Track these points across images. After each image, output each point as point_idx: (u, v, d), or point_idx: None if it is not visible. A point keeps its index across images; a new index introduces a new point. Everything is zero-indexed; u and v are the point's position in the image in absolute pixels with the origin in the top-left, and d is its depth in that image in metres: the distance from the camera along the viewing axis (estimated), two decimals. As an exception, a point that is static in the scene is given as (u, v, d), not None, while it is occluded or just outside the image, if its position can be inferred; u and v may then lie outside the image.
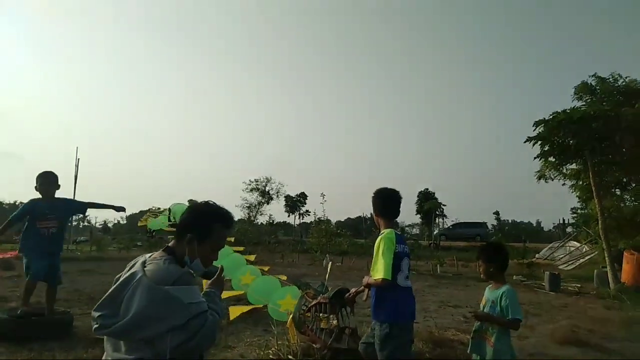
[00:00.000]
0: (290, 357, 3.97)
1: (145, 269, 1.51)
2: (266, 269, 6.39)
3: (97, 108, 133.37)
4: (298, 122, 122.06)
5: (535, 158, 13.08)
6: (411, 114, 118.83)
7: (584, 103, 13.13)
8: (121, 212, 5.33)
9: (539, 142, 12.43)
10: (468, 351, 2.94)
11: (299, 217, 54.42)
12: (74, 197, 18.98)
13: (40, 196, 4.67)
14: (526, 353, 4.99)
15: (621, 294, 9.90)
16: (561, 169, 13.86)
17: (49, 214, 4.61)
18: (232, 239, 8.94)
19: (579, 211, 18.49)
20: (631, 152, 12.26)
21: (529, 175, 14.72)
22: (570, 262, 19.48)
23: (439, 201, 40.99)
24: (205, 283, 1.82)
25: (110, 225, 68.52)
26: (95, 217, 72.99)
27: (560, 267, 18.74)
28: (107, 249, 23.59)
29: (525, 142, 12.56)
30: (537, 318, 7.38)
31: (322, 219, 24.11)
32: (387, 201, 3.06)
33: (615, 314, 7.85)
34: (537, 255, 22.68)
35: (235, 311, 5.14)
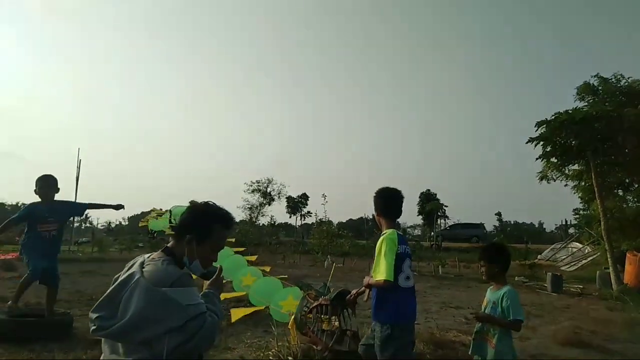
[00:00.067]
0: (290, 358, 3.96)
1: (143, 270, 1.50)
2: (267, 269, 6.39)
3: (97, 108, 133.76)
4: (298, 123, 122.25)
5: (537, 159, 13.10)
6: (411, 114, 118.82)
7: (586, 103, 13.12)
8: (120, 210, 5.35)
9: (541, 143, 12.42)
10: (469, 352, 2.93)
11: (301, 218, 54.42)
12: (75, 197, 19.05)
13: (39, 199, 4.68)
14: (528, 354, 4.97)
15: (623, 295, 9.86)
16: (563, 169, 13.84)
17: (50, 217, 4.63)
18: (233, 240, 8.95)
19: (581, 212, 18.50)
20: (634, 153, 12.22)
21: (531, 176, 14.71)
22: (572, 263, 19.43)
23: (441, 202, 40.98)
24: (205, 284, 1.81)
25: (113, 226, 68.68)
26: (97, 218, 73.23)
27: (563, 268, 18.68)
28: (108, 249, 23.60)
29: (527, 142, 12.56)
30: (539, 319, 7.35)
31: (324, 220, 24.09)
32: (388, 201, 3.04)
33: (617, 315, 7.82)
34: (539, 257, 22.59)
35: (237, 313, 5.14)
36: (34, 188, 4.64)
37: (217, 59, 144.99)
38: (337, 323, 3.83)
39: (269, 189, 40.89)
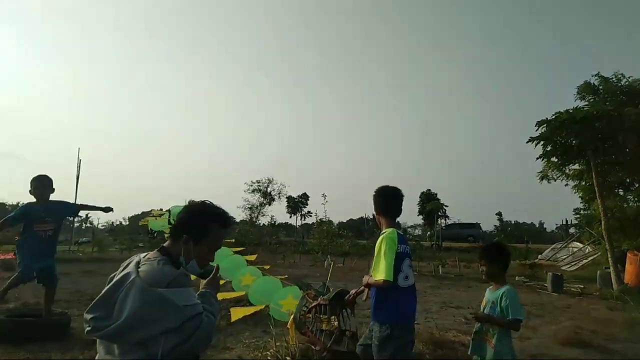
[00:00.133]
0: (288, 358, 3.94)
1: (139, 269, 1.48)
2: (267, 267, 6.39)
3: (97, 108, 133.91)
4: (298, 123, 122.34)
5: (537, 158, 13.06)
6: (411, 114, 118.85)
7: (586, 103, 13.08)
8: (109, 212, 5.37)
9: (542, 143, 12.39)
10: (469, 352, 2.91)
11: (301, 218, 54.43)
12: (75, 197, 19.06)
13: (34, 200, 4.68)
14: (528, 354, 4.96)
15: (624, 295, 9.84)
16: (564, 169, 13.81)
17: (46, 217, 4.63)
18: (233, 240, 8.94)
19: (581, 212, 18.47)
20: (634, 152, 12.19)
21: (531, 176, 14.70)
22: (573, 263, 19.41)
23: (441, 202, 40.96)
24: (202, 283, 1.79)
25: (115, 225, 68.69)
26: (98, 218, 73.23)
27: (563, 268, 18.66)
28: (108, 249, 23.60)
29: (527, 142, 12.53)
30: (540, 319, 7.34)
31: (324, 219, 24.07)
32: (388, 199, 3.02)
33: (618, 315, 7.80)
34: (539, 256, 22.58)
35: (237, 313, 5.12)
36: (29, 188, 4.63)
37: (217, 59, 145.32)
38: (336, 323, 3.81)
39: (269, 189, 40.90)
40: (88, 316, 1.45)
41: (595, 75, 13.22)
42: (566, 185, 14.43)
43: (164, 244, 1.68)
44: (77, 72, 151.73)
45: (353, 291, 3.28)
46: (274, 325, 4.47)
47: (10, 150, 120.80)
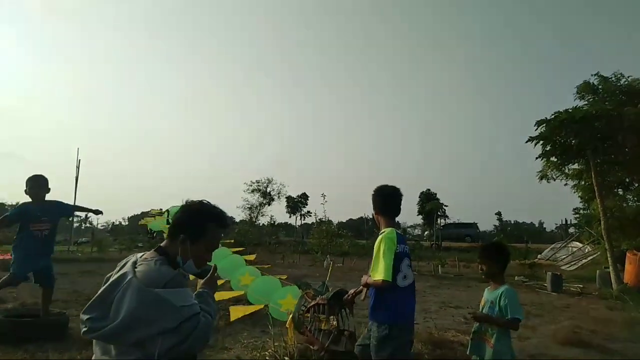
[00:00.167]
0: (286, 358, 3.94)
1: (136, 269, 1.47)
2: (266, 267, 6.37)
3: (97, 108, 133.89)
4: (298, 122, 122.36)
5: (537, 158, 13.05)
6: (411, 114, 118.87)
7: (586, 102, 13.07)
8: (99, 215, 5.44)
9: (541, 142, 12.38)
10: (467, 352, 2.91)
11: (301, 218, 54.42)
12: (74, 197, 19.04)
13: (30, 200, 4.67)
14: (527, 354, 4.95)
15: (623, 295, 9.84)
16: (563, 169, 13.80)
17: (42, 217, 4.63)
18: (232, 241, 8.94)
19: (581, 211, 18.45)
20: (634, 152, 12.18)
21: (531, 176, 14.67)
22: (572, 263, 19.40)
23: (441, 202, 40.96)
24: (199, 283, 1.78)
25: (116, 224, 68.67)
26: (97, 218, 73.17)
27: (563, 267, 18.66)
28: (108, 249, 23.58)
29: (527, 142, 12.52)
30: (539, 319, 7.33)
31: (323, 219, 24.06)
32: (387, 199, 3.00)
33: (617, 315, 7.80)
34: (539, 256, 22.57)
35: (236, 312, 5.09)
36: (24, 188, 4.63)
37: (217, 59, 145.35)
38: (335, 323, 3.80)
39: (268, 189, 40.88)
40: (84, 317, 1.44)
41: (595, 75, 13.22)
42: (565, 184, 14.45)
43: (161, 244, 1.67)
44: (77, 72, 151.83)
45: (352, 291, 3.27)
46: (273, 325, 4.46)
47: (10, 150, 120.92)
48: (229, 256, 6.22)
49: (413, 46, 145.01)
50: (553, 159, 13.12)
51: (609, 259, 12.07)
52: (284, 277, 5.80)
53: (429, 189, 43.39)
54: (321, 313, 3.77)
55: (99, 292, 1.46)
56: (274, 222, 46.59)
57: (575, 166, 13.64)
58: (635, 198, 14.45)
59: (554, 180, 14.19)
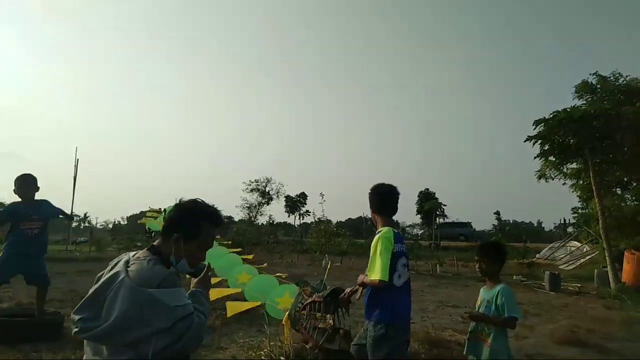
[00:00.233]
0: (282, 358, 3.92)
1: (128, 269, 1.45)
2: (264, 265, 6.35)
3: (97, 108, 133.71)
4: (298, 122, 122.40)
5: (535, 157, 13.04)
6: (411, 114, 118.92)
7: (584, 102, 13.06)
8: (71, 220, 5.52)
9: (539, 141, 12.38)
10: (464, 352, 2.89)
11: (300, 218, 54.43)
12: (73, 197, 18.99)
13: (19, 199, 4.66)
14: (525, 353, 4.95)
15: (622, 294, 9.86)
16: (561, 168, 13.81)
17: (33, 215, 4.61)
18: (230, 242, 8.91)
19: (579, 211, 18.44)
20: (632, 151, 12.19)
21: (530, 176, 14.64)
22: (570, 262, 19.42)
23: (440, 201, 41.02)
24: (193, 282, 1.77)
25: (117, 222, 68.59)
26: (96, 217, 73.09)
27: (561, 267, 18.68)
28: (106, 249, 23.55)
29: (525, 141, 12.51)
30: (537, 318, 7.33)
31: (322, 219, 24.02)
32: (384, 197, 2.98)
33: (615, 314, 7.81)
34: (537, 255, 22.61)
35: (233, 308, 5.04)
36: (13, 188, 4.61)
37: (217, 59, 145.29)
38: (331, 321, 3.79)
39: (267, 188, 40.86)
40: (76, 317, 1.42)
41: (593, 74, 13.22)
42: (564, 184, 14.46)
43: (154, 243, 1.65)
44: (77, 72, 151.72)
45: (348, 290, 3.26)
46: (269, 325, 4.45)
47: (10, 150, 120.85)
48: (226, 255, 6.19)
49: (413, 46, 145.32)
50: (551, 158, 13.12)
51: (607, 258, 12.08)
52: (284, 275, 5.78)
53: (427, 189, 43.47)
54: (317, 311, 3.76)
55: (90, 291, 1.45)
56: (273, 221, 46.62)
57: (574, 165, 13.64)
58: (634, 197, 14.46)
59: (553, 179, 14.20)
